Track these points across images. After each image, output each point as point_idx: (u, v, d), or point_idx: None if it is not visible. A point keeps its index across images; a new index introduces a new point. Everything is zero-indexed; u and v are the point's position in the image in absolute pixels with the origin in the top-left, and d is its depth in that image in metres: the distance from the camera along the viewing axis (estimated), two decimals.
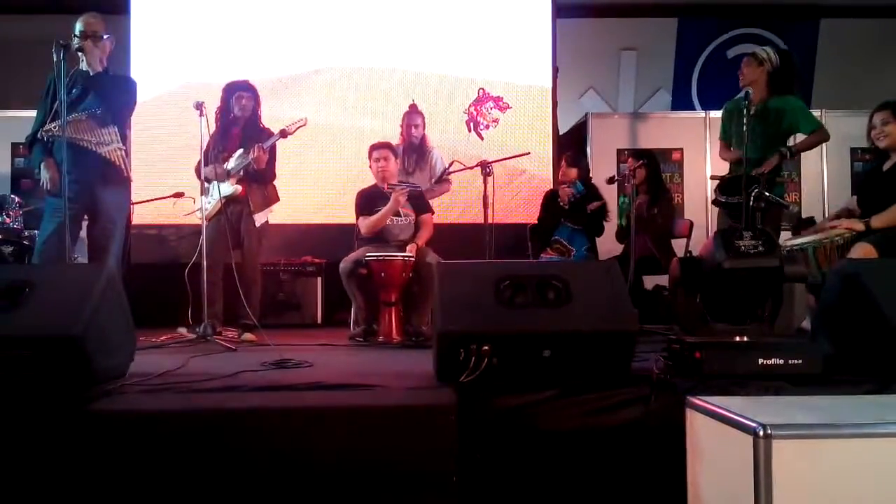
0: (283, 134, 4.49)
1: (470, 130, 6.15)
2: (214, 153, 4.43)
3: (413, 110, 5.43)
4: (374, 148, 4.72)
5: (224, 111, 4.58)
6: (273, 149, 4.53)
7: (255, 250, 4.51)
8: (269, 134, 4.57)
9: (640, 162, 5.13)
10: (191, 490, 2.09)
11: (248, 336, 4.25)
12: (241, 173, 4.42)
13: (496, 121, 6.17)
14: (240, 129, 4.55)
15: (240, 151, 4.43)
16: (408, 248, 4.40)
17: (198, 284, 4.18)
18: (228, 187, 4.39)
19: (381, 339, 4.21)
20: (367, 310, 4.34)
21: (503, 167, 5.38)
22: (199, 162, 4.49)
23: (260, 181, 4.52)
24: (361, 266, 4.32)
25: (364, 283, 4.31)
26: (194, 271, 4.22)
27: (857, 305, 2.59)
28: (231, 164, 4.43)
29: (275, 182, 4.66)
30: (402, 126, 5.33)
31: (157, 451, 2.10)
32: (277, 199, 4.67)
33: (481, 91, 6.18)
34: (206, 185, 4.41)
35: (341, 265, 4.34)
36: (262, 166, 4.43)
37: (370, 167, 4.72)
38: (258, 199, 4.50)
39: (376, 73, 6.18)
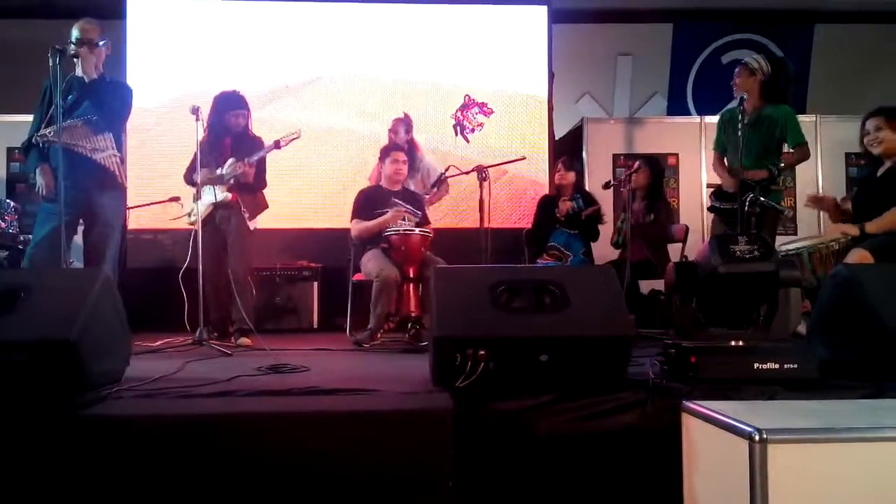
0: (277, 145, 4.52)
1: (457, 134, 6.24)
2: (205, 161, 4.41)
3: (399, 118, 5.48)
4: (389, 149, 4.78)
5: (215, 121, 4.54)
6: (262, 159, 4.55)
7: (247, 255, 4.52)
8: (260, 142, 4.59)
9: (639, 165, 5.14)
10: (186, 495, 2.09)
11: (243, 340, 4.25)
12: (232, 182, 4.43)
13: (481, 125, 6.26)
14: (231, 138, 4.56)
15: (231, 160, 4.44)
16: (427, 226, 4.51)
17: (192, 289, 4.18)
18: (220, 194, 4.40)
19: (398, 312, 4.28)
20: (385, 320, 4.28)
21: (498, 172, 5.39)
22: (188, 168, 4.56)
23: (250, 190, 4.53)
24: (383, 241, 4.35)
25: (394, 294, 4.24)
26: (187, 276, 4.22)
27: (852, 310, 2.59)
28: (223, 171, 4.43)
29: (264, 190, 4.67)
30: (389, 128, 5.39)
31: (152, 457, 2.10)
32: (266, 206, 4.69)
33: (467, 97, 6.26)
34: (197, 190, 4.39)
35: (377, 281, 4.17)
36: (250, 181, 4.46)
37: (380, 167, 4.73)
38: (248, 206, 4.51)
39: (372, 81, 6.21)
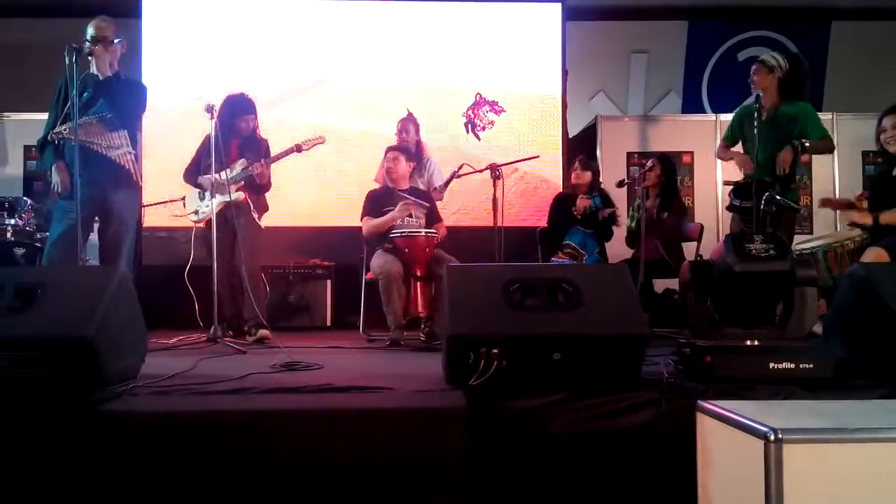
0: (298, 149, 4.55)
1: (468, 132, 6.26)
2: (207, 163, 4.35)
3: (406, 118, 5.48)
4: (388, 149, 4.83)
5: (224, 124, 4.43)
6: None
7: (259, 253, 4.56)
8: (265, 144, 4.63)
9: (652, 163, 5.12)
10: (201, 492, 2.10)
11: (263, 332, 4.26)
12: (243, 182, 4.45)
13: (491, 123, 6.28)
14: (239, 140, 4.57)
15: (242, 161, 4.46)
16: (434, 226, 4.50)
17: (201, 287, 4.22)
18: (232, 193, 4.39)
19: (408, 312, 4.27)
20: (402, 315, 4.26)
21: (511, 170, 5.39)
22: (188, 168, 4.63)
23: (257, 190, 4.57)
24: (388, 242, 4.35)
25: (403, 288, 4.24)
26: (196, 274, 4.28)
27: (868, 309, 2.58)
28: (234, 172, 4.42)
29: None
30: (396, 133, 5.39)
31: (167, 453, 2.11)
32: (267, 208, 4.74)
33: (478, 95, 6.28)
34: (212, 189, 4.41)
35: (381, 278, 4.19)
36: (265, 181, 4.51)
37: (381, 167, 4.76)
38: (255, 206, 4.55)
39: (384, 80, 6.22)
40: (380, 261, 4.28)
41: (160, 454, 2.11)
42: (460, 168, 4.99)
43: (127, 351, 2.60)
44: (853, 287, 2.69)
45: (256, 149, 4.55)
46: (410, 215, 4.50)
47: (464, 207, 5.95)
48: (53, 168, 4.02)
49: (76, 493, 2.10)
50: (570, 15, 6.40)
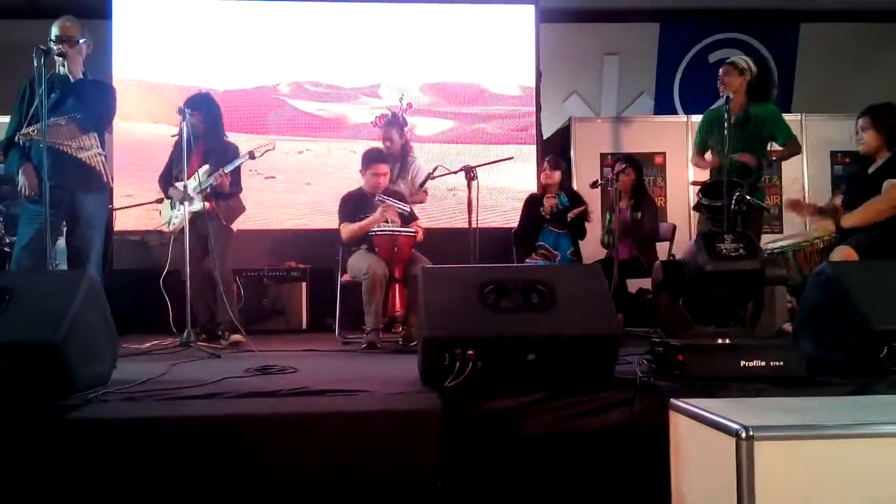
0: (251, 156, 4.52)
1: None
2: (179, 168, 4.34)
3: (391, 121, 5.46)
4: (372, 160, 4.63)
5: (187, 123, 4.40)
6: (237, 167, 4.53)
7: (230, 257, 4.52)
8: (233, 148, 4.58)
9: (624, 166, 5.16)
10: (173, 498, 2.08)
11: (235, 337, 4.22)
12: (208, 190, 4.40)
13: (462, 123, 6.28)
14: (202, 143, 4.49)
15: (205, 168, 4.39)
16: (411, 225, 4.47)
17: (173, 292, 4.18)
18: (197, 203, 4.33)
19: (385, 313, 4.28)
20: (381, 318, 4.26)
21: (486, 172, 5.40)
22: (161, 175, 4.59)
23: (226, 197, 4.51)
24: (367, 242, 4.33)
25: (385, 292, 4.23)
26: (170, 280, 4.24)
27: (837, 308, 2.61)
28: (198, 179, 4.35)
29: (240, 194, 4.68)
30: (382, 135, 5.37)
31: (139, 460, 2.09)
32: (243, 210, 4.70)
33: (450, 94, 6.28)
34: (183, 197, 4.35)
35: (365, 279, 4.16)
36: (226, 190, 4.43)
37: (362, 173, 4.65)
38: (225, 212, 4.51)
39: (359, 82, 6.20)
40: (363, 262, 4.24)
41: (132, 460, 2.08)
42: (435, 170, 4.98)
43: (97, 356, 2.56)
44: (821, 285, 2.72)
45: (222, 154, 4.47)
46: (386, 221, 4.47)
47: (438, 209, 5.96)
48: (21, 170, 3.94)
49: (46, 501, 2.07)
50: (543, 17, 6.43)
